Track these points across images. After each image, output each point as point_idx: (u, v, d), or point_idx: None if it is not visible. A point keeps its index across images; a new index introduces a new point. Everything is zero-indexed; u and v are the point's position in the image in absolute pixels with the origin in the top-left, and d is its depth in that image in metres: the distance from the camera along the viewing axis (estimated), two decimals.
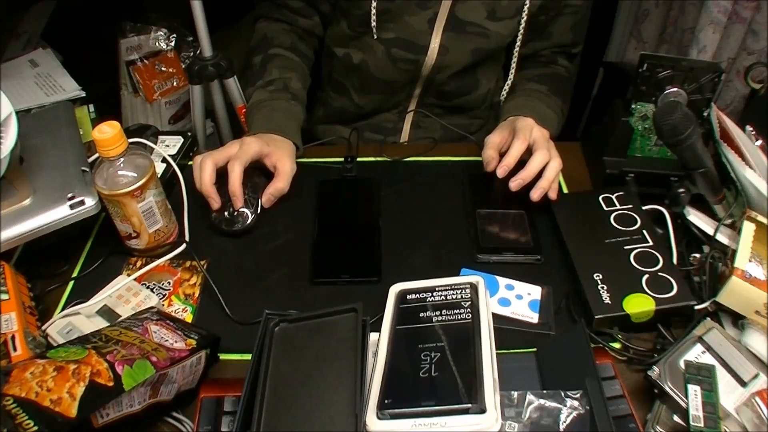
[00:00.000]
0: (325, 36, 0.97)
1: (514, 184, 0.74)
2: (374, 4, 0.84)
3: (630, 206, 0.73)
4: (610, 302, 0.63)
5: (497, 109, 0.94)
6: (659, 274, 0.64)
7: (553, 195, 0.75)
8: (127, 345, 0.52)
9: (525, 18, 0.86)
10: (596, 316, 0.62)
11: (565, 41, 0.93)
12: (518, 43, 0.90)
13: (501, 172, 0.74)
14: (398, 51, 0.88)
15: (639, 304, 0.62)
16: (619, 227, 0.71)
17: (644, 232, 0.69)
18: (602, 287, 0.64)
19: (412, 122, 0.99)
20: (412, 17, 0.85)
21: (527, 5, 0.84)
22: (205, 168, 0.73)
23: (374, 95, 0.96)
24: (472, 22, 0.85)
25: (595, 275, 0.66)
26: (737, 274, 0.61)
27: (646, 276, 0.64)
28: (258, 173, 0.80)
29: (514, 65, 0.93)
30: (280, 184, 0.78)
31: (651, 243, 0.68)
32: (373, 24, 0.86)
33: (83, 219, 0.65)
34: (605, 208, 0.74)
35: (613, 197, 0.75)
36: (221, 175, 0.78)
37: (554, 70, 0.95)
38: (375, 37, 0.87)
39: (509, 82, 0.95)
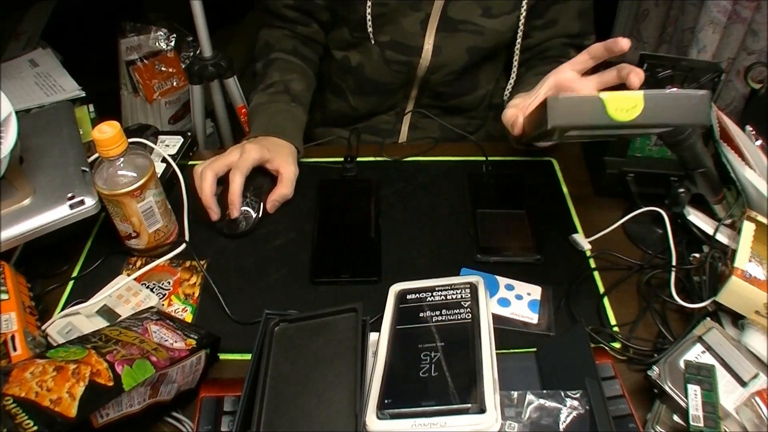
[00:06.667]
0: (327, 40, 0.97)
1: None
2: (369, 9, 0.84)
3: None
4: None
5: (497, 110, 0.93)
6: None
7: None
8: (127, 345, 0.52)
9: (524, 13, 0.84)
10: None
11: (573, 30, 0.90)
12: (518, 41, 0.88)
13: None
14: (392, 53, 0.88)
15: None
16: None
17: None
18: None
19: (409, 123, 0.99)
20: (405, 19, 0.85)
21: (526, 0, 0.83)
22: (206, 179, 0.74)
23: (370, 97, 0.96)
24: (466, 21, 0.85)
25: None
26: (737, 274, 0.60)
27: None
28: (261, 175, 0.80)
29: (515, 63, 0.91)
30: (284, 190, 0.79)
31: None
32: (370, 29, 0.86)
33: (83, 219, 0.65)
34: None
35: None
36: (224, 180, 0.78)
37: None
38: (373, 41, 0.87)
39: (512, 81, 0.93)
